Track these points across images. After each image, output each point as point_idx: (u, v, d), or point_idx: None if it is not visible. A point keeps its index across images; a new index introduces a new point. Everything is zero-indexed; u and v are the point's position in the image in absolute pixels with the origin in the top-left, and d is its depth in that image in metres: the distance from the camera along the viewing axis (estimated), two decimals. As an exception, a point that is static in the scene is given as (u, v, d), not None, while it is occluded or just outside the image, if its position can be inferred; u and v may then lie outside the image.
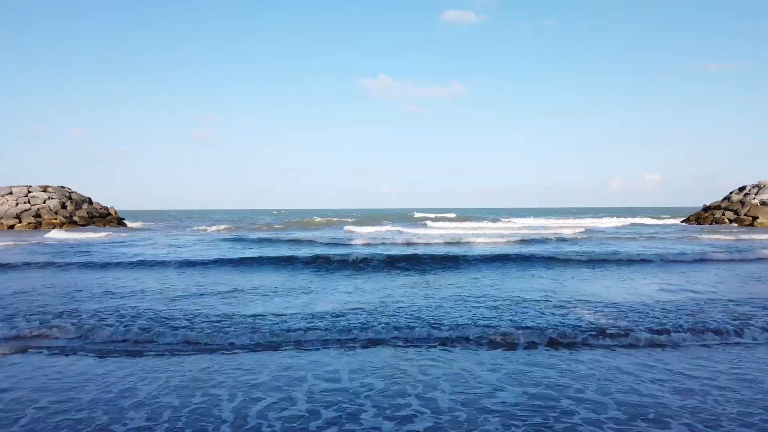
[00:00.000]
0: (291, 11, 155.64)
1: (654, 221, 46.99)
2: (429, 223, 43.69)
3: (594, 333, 6.41)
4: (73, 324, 6.99)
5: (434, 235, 27.90)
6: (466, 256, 15.19)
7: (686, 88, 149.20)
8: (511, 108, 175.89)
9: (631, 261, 14.78)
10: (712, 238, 23.97)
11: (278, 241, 23.12)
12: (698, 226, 37.45)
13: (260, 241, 23.31)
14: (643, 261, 14.79)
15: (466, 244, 21.58)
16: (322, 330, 6.62)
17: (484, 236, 24.85)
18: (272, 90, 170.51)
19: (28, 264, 14.24)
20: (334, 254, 15.26)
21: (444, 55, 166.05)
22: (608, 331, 6.45)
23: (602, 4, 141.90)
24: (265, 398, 4.36)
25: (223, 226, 38.86)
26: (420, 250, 17.23)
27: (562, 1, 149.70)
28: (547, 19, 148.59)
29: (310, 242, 22.15)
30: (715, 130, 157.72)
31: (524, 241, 22.47)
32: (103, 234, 29.40)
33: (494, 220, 48.52)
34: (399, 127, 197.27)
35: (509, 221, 47.04)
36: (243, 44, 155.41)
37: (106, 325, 6.97)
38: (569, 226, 36.59)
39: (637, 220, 48.74)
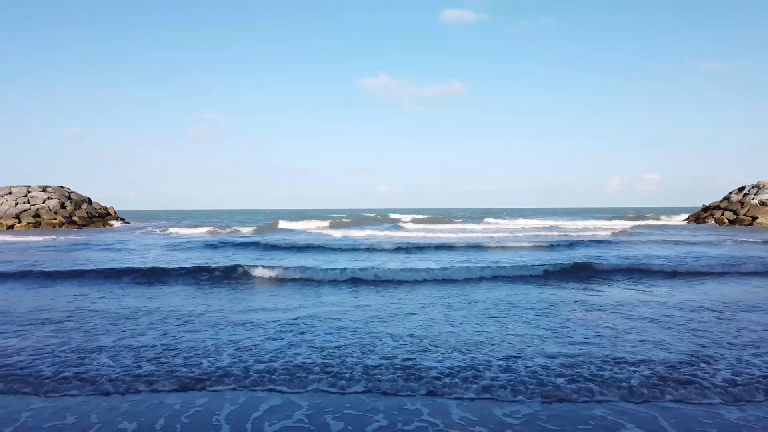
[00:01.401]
0: (290, 10, 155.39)
1: (671, 222, 46.58)
2: (420, 226, 43.50)
3: None
4: None
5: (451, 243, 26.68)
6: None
7: (685, 87, 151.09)
8: (509, 107, 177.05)
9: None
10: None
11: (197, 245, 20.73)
12: (734, 227, 36.98)
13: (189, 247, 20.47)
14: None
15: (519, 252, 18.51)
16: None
17: (529, 241, 22.69)
18: (271, 89, 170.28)
19: None
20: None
21: (443, 55, 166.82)
22: None
23: (601, 3, 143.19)
24: None
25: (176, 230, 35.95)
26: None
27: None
28: (546, 18, 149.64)
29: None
30: (714, 130, 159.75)
31: (573, 243, 20.92)
32: (43, 237, 26.18)
33: (480, 222, 48.45)
34: (398, 126, 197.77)
35: (512, 223, 46.75)
36: (242, 44, 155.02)
37: None
38: (603, 228, 34.00)
39: (662, 221, 47.69)
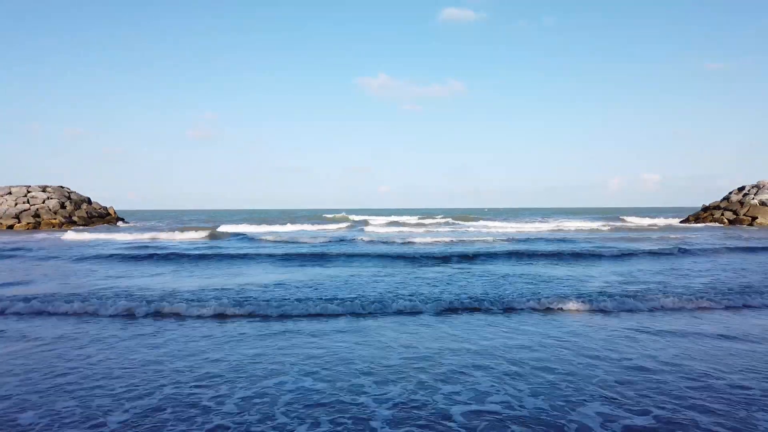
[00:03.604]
0: (290, 10, 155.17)
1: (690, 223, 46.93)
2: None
3: None
4: None
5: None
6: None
7: (685, 87, 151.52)
8: (509, 107, 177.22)
9: None
10: None
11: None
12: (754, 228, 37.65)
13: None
14: None
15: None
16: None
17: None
18: (271, 89, 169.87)
19: None
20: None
21: (443, 54, 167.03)
22: None
23: (601, 3, 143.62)
24: None
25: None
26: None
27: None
28: (547, 16, 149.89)
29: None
30: (714, 130, 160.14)
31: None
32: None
33: (455, 225, 48.26)
34: (398, 126, 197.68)
35: (517, 224, 46.69)
36: (242, 44, 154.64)
37: None
38: (643, 229, 33.62)
39: (662, 222, 47.95)
